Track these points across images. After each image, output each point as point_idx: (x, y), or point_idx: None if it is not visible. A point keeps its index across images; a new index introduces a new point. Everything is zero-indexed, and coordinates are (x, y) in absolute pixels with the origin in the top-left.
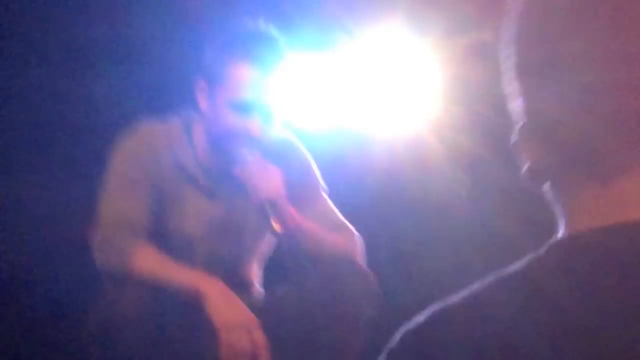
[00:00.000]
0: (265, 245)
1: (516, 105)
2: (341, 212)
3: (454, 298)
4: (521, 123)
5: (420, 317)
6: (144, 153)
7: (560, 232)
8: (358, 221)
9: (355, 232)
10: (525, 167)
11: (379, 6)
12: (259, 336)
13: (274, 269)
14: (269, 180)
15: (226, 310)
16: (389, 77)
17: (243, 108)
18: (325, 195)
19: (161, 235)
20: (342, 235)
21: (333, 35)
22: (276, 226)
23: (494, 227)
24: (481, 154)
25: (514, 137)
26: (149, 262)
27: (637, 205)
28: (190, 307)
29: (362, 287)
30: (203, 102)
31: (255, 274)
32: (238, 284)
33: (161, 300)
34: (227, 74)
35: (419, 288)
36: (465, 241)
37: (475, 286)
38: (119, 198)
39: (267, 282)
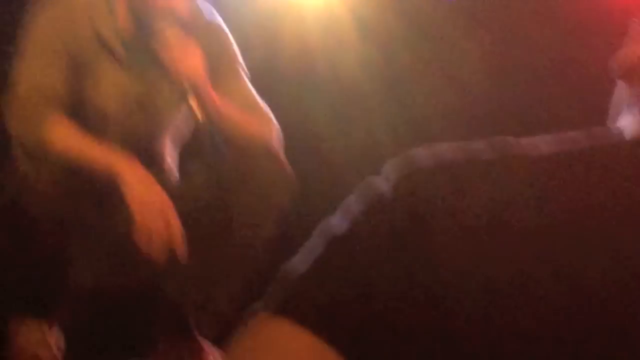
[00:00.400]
0: (180, 122)
1: None
2: (253, 84)
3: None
4: None
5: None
6: (62, 21)
7: None
8: (269, 99)
9: (273, 117)
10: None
11: None
12: (174, 218)
13: (189, 150)
14: (190, 60)
15: (142, 191)
16: None
17: None
18: (245, 78)
19: (76, 106)
20: (260, 120)
21: None
22: (196, 108)
23: (408, 106)
24: (395, 29)
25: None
26: (65, 135)
27: None
28: (105, 185)
29: (277, 173)
30: None
31: (169, 151)
32: (151, 160)
33: (75, 176)
34: None
35: (330, 170)
36: (376, 120)
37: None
38: (36, 67)
39: (181, 163)
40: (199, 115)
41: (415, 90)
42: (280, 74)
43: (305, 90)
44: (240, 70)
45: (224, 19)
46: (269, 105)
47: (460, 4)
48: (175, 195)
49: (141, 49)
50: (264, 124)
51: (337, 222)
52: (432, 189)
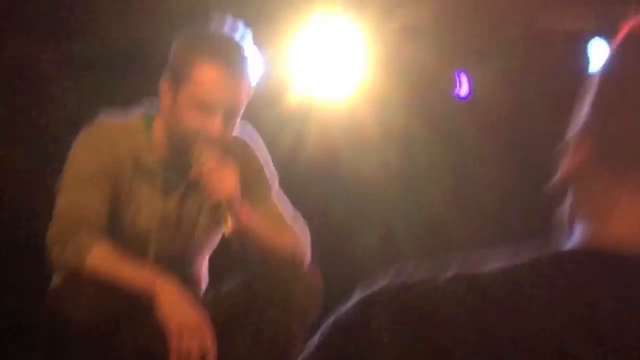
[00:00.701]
0: (215, 240)
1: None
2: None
3: (394, 287)
4: (579, 126)
5: (348, 307)
6: (102, 147)
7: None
8: (291, 196)
9: (304, 234)
10: (563, 170)
11: None
12: (209, 339)
13: (222, 264)
14: (226, 181)
15: (179, 313)
16: (327, 53)
17: (206, 108)
18: (275, 196)
19: (115, 228)
20: (289, 235)
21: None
22: (229, 226)
23: (427, 204)
24: (413, 129)
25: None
26: (105, 259)
27: None
28: (143, 305)
29: (306, 288)
30: (166, 98)
31: (204, 269)
32: (187, 279)
33: (114, 297)
34: (191, 72)
35: (352, 267)
36: (398, 220)
37: (424, 274)
38: (77, 192)
39: (214, 277)
40: (231, 229)
41: (434, 189)
42: (304, 172)
43: (327, 188)
44: (271, 187)
45: (249, 119)
46: (291, 201)
47: (476, 104)
48: (207, 305)
49: (179, 172)
50: (294, 239)
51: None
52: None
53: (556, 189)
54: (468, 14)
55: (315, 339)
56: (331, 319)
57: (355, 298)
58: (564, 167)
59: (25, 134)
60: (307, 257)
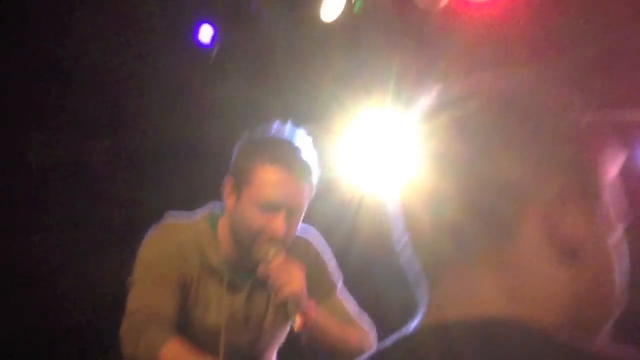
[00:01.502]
0: (284, 335)
1: None
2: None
3: None
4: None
5: None
6: (171, 246)
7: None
8: (346, 286)
9: (370, 328)
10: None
11: (371, 84)
12: None
13: (290, 356)
14: (292, 278)
15: None
16: (378, 148)
17: (269, 208)
18: (340, 291)
19: (185, 325)
20: (356, 331)
21: (331, 111)
22: (297, 322)
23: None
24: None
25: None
26: (178, 354)
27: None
28: None
29: None
30: (229, 200)
31: None
32: None
33: None
34: (255, 174)
35: None
36: None
37: None
38: (149, 291)
39: None
40: (299, 326)
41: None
42: (357, 264)
43: (381, 279)
44: (336, 283)
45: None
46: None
47: None
48: None
49: (246, 272)
50: (359, 332)
51: None
52: None
53: None
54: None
55: None
56: None
57: None
58: None
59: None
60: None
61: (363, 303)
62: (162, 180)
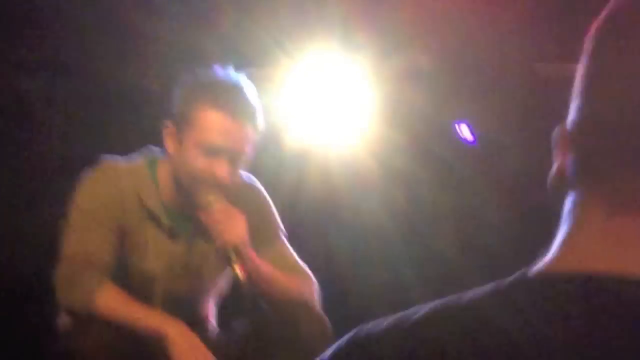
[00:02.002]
0: (222, 282)
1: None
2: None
3: (397, 318)
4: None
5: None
6: (107, 190)
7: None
8: (293, 237)
9: (312, 277)
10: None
11: (317, 28)
12: None
13: (231, 307)
14: (234, 227)
15: (189, 355)
16: (326, 96)
17: (212, 152)
18: (284, 240)
19: (122, 271)
20: (299, 279)
21: (273, 56)
22: (238, 271)
23: (431, 246)
24: (417, 172)
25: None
26: (114, 301)
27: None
28: (152, 347)
29: (317, 331)
30: (171, 144)
31: (212, 311)
32: (195, 321)
33: (124, 338)
34: (197, 118)
35: (354, 306)
36: (401, 264)
37: (423, 309)
38: (84, 235)
39: (223, 319)
40: (240, 275)
41: (438, 230)
42: (306, 216)
43: (330, 231)
44: (279, 232)
45: (251, 162)
46: (293, 246)
47: (480, 147)
48: (217, 348)
49: (185, 217)
50: (302, 281)
51: None
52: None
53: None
54: (470, 58)
55: None
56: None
57: (344, 339)
58: (554, 165)
59: (15, 169)
60: (317, 299)
61: (309, 256)
62: (97, 122)
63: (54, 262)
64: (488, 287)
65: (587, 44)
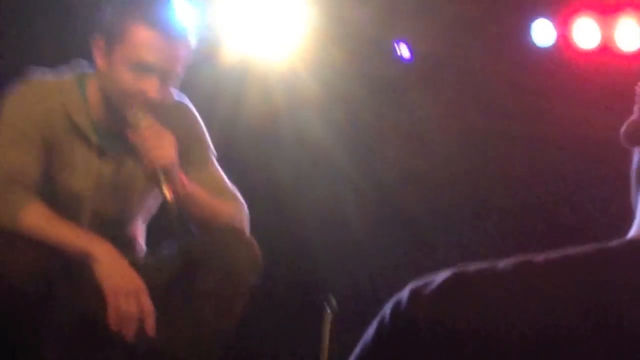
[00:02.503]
0: (152, 204)
1: None
2: (216, 145)
3: (483, 269)
4: None
5: (435, 282)
6: (35, 106)
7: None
8: (233, 159)
9: (242, 201)
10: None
11: None
12: (147, 302)
13: (160, 229)
14: (163, 147)
15: (115, 275)
16: (264, 11)
17: (142, 69)
18: (214, 162)
19: (49, 190)
20: (229, 203)
21: None
22: (167, 193)
23: (372, 166)
24: (357, 90)
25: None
26: (40, 219)
27: None
28: (79, 267)
29: (246, 256)
30: (100, 60)
31: (141, 232)
32: (123, 242)
33: (49, 256)
34: (127, 34)
35: (294, 232)
36: (341, 182)
37: (512, 261)
38: (10, 151)
39: (152, 241)
40: (169, 196)
41: (379, 150)
42: (244, 133)
43: (269, 149)
44: (210, 154)
45: (187, 79)
46: (233, 164)
47: (419, 64)
48: (145, 269)
49: (114, 135)
50: (232, 205)
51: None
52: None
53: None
54: None
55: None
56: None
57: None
58: (630, 123)
59: None
60: (247, 224)
61: (249, 177)
62: (25, 32)
63: None
64: (590, 247)
65: None
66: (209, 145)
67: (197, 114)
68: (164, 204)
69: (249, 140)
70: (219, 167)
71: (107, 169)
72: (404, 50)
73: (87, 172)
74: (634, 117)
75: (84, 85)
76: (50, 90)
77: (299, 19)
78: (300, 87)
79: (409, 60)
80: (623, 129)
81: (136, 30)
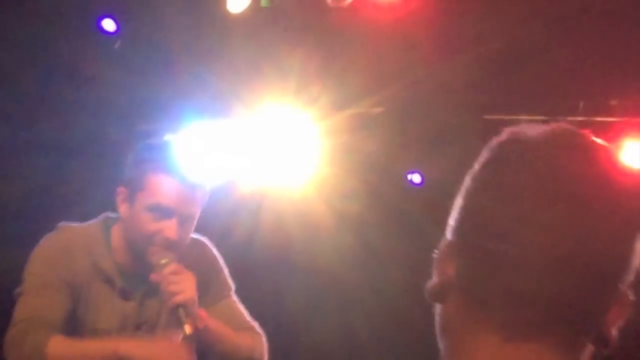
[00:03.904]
0: (175, 340)
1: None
2: (231, 272)
3: None
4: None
5: None
6: (61, 255)
7: None
8: (246, 283)
9: (261, 333)
10: (434, 280)
11: (271, 80)
12: None
13: None
14: (182, 285)
15: (147, 354)
16: (279, 144)
17: (162, 213)
18: (233, 296)
19: (76, 329)
20: (248, 336)
21: (229, 105)
22: (188, 328)
23: (382, 291)
24: (367, 216)
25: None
26: (64, 345)
27: None
28: None
29: None
30: (122, 207)
31: None
32: None
33: None
34: (147, 182)
35: (307, 352)
36: (353, 307)
37: None
38: (35, 298)
39: None
40: (189, 331)
41: (390, 275)
42: (258, 260)
43: (281, 276)
44: (229, 287)
45: (203, 209)
46: (246, 293)
47: (427, 190)
48: None
49: (137, 276)
50: (251, 337)
51: None
52: None
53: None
54: (420, 103)
55: None
56: None
57: None
58: (435, 278)
59: None
60: (265, 356)
61: (263, 304)
62: (59, 172)
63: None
64: None
65: (468, 181)
66: (227, 279)
67: (214, 249)
68: (185, 339)
69: (261, 266)
70: (237, 300)
71: (131, 309)
72: (415, 176)
73: (112, 313)
74: (434, 280)
75: (108, 230)
76: (76, 237)
77: (314, 151)
78: (312, 214)
79: (419, 184)
80: (427, 289)
81: (155, 178)
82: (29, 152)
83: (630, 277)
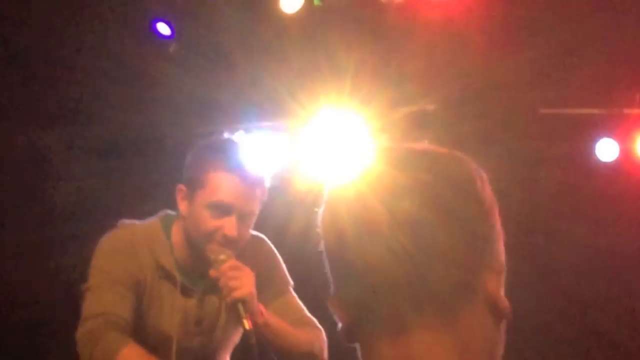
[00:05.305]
0: (236, 336)
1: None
2: (287, 269)
3: None
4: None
5: None
6: (126, 252)
7: None
8: (302, 284)
9: (320, 328)
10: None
11: (328, 80)
12: None
13: (240, 355)
14: (241, 280)
15: None
16: (335, 143)
17: (221, 210)
18: (292, 291)
19: (139, 327)
20: (307, 331)
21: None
22: (247, 323)
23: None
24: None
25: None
26: (132, 357)
27: None
28: None
29: None
30: (182, 205)
31: None
32: None
33: None
34: (207, 179)
35: None
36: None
37: None
38: (104, 294)
39: None
40: (248, 326)
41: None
42: (313, 264)
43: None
44: (287, 284)
45: (262, 212)
46: (300, 294)
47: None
48: None
49: (197, 273)
50: (310, 333)
51: None
52: None
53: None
54: (475, 100)
55: None
56: None
57: None
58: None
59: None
60: (325, 352)
61: (318, 302)
62: (114, 172)
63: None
64: None
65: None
66: (285, 276)
67: (272, 246)
68: (245, 335)
69: (316, 269)
70: (296, 296)
71: (191, 306)
72: None
73: (173, 310)
74: (341, 325)
75: (168, 228)
76: (137, 234)
77: (368, 151)
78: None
79: None
80: (340, 332)
81: (215, 176)
82: (89, 153)
83: None
